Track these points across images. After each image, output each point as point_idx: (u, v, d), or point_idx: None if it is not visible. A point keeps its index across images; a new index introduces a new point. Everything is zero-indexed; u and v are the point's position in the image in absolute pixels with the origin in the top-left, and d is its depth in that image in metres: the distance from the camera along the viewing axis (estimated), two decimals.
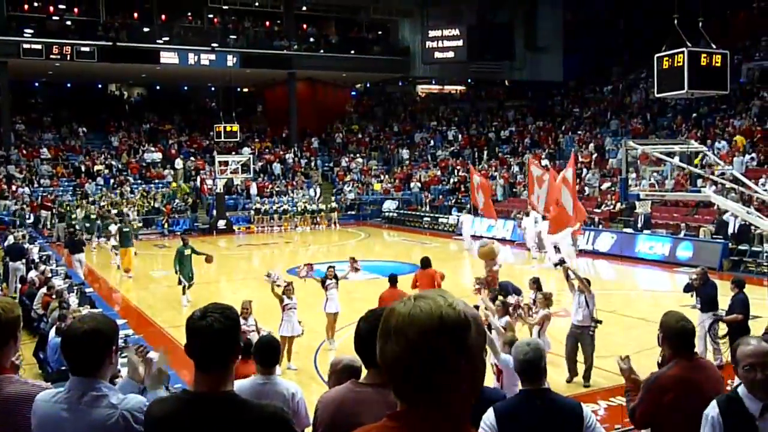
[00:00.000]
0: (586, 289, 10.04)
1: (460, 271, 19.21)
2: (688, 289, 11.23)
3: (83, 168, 35.72)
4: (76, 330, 2.80)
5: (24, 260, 17.58)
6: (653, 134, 29.61)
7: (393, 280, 11.36)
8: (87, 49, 33.90)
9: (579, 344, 10.10)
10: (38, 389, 2.87)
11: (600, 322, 10.11)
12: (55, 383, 4.64)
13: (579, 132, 34.90)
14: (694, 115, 30.52)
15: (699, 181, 22.41)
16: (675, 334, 4.21)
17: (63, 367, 7.41)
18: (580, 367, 10.10)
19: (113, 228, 22.89)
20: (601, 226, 25.27)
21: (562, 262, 11.10)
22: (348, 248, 26.83)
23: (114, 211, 30.74)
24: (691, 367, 4.11)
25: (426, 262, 12.46)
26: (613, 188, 27.08)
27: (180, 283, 16.52)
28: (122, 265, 20.61)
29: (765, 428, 3.39)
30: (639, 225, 23.47)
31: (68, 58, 33.61)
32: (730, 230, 20.63)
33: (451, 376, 1.54)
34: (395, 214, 35.24)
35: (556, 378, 9.70)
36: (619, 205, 25.72)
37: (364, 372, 3.05)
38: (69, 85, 41.89)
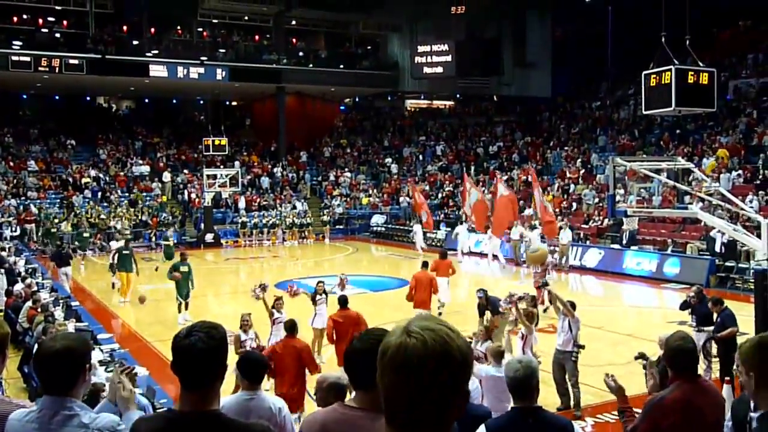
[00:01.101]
0: (569, 312, 9.82)
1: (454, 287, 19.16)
2: (684, 306, 11.24)
3: (71, 180, 35.56)
4: (49, 349, 2.78)
5: (2, 270, 17.38)
6: (641, 150, 29.79)
7: (425, 264, 14.52)
8: (76, 61, 33.83)
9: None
10: (14, 408, 2.83)
11: (582, 347, 9.82)
12: (40, 398, 4.59)
13: (567, 148, 35.08)
14: (678, 131, 30.75)
15: (686, 198, 22.53)
16: (676, 354, 4.01)
17: None
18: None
19: (114, 244, 22.06)
20: (588, 242, 25.36)
21: (545, 284, 11.03)
22: (336, 263, 26.80)
23: (118, 226, 30.62)
24: (693, 390, 3.91)
25: (443, 255, 16.62)
26: (600, 204, 27.20)
27: (178, 300, 16.10)
28: (121, 290, 18.89)
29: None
30: (624, 241, 23.60)
31: (57, 70, 33.52)
32: (717, 247, 20.75)
33: (452, 408, 1.60)
34: (383, 229, 35.24)
35: (544, 396, 9.67)
36: (606, 220, 25.83)
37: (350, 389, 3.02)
38: (57, 97, 41.73)
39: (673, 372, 4.01)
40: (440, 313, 15.10)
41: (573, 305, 10.06)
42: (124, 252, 19.12)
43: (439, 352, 1.56)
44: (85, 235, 28.40)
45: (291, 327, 8.76)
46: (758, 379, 3.12)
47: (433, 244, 31.27)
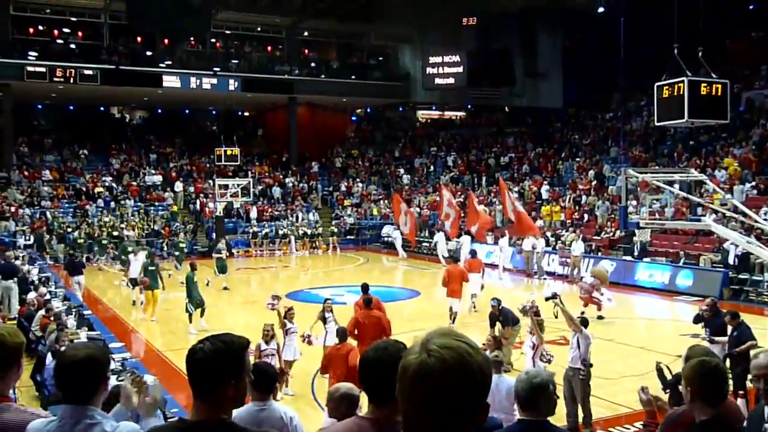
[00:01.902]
0: (577, 328, 9.53)
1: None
2: (697, 320, 11.12)
3: (84, 190, 35.79)
4: (71, 357, 2.78)
5: (15, 279, 17.47)
6: (653, 162, 29.67)
7: (455, 259, 17.73)
8: (90, 72, 34.09)
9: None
10: (34, 418, 2.83)
11: (590, 365, 9.41)
12: (52, 405, 4.59)
13: (578, 159, 34.99)
14: (691, 143, 30.61)
15: (699, 209, 22.41)
16: (698, 372, 3.64)
17: None
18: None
19: (141, 256, 19.61)
20: (600, 253, 25.25)
21: (554, 296, 10.74)
22: (347, 273, 26.79)
23: (131, 234, 30.74)
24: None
25: (474, 254, 19.03)
26: (613, 215, 27.09)
27: (188, 311, 15.95)
28: (145, 307, 17.86)
29: None
30: (636, 253, 23.49)
31: (71, 80, 33.78)
32: (731, 259, 20.61)
33: (472, 423, 1.62)
34: (394, 239, 35.14)
35: (559, 408, 9.60)
36: (618, 232, 25.71)
37: (363, 399, 2.99)
38: (72, 107, 42.05)
39: (694, 389, 3.69)
40: (474, 303, 17.54)
41: (585, 322, 9.84)
42: (150, 268, 17.84)
43: (459, 370, 1.57)
44: (104, 242, 28.60)
45: (342, 334, 9.77)
46: (693, 394, 3.50)
47: (444, 254, 31.20)
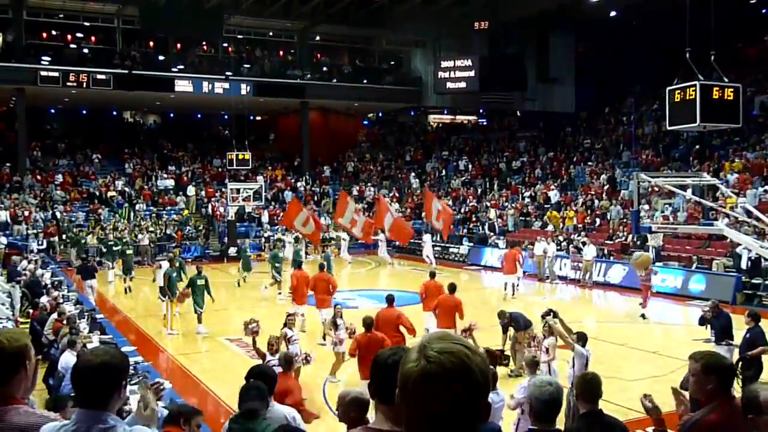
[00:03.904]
0: (570, 346, 9.11)
1: (474, 302, 19.05)
2: (702, 322, 11.17)
3: (97, 194, 36.01)
4: (89, 362, 2.78)
5: (15, 283, 17.77)
6: (665, 166, 29.56)
7: (432, 275, 15.58)
8: (103, 76, 34.30)
9: None
10: (45, 421, 2.85)
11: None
12: (51, 410, 4.61)
13: (590, 163, 34.91)
14: (697, 147, 30.45)
15: (712, 214, 22.31)
16: (718, 373, 3.74)
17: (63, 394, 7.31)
18: None
19: (164, 266, 18.46)
20: (612, 258, 25.16)
21: (550, 313, 10.42)
22: (358, 277, 26.79)
23: (145, 241, 30.71)
24: (730, 411, 3.67)
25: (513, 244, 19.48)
26: (625, 219, 27.00)
27: (196, 311, 16.32)
28: (165, 319, 16.79)
29: None
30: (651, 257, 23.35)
31: (84, 85, 33.99)
32: (743, 263, 20.48)
33: (475, 423, 1.63)
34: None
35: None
36: (631, 236, 25.62)
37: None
38: (84, 111, 42.35)
39: (711, 391, 3.76)
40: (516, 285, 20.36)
41: (583, 337, 9.22)
42: (173, 276, 17.03)
43: (460, 374, 1.58)
44: (115, 248, 28.05)
45: (368, 324, 10.03)
46: (578, 395, 5.25)
47: (456, 259, 31.23)
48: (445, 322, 12.57)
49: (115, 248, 26.86)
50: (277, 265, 21.73)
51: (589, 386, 5.17)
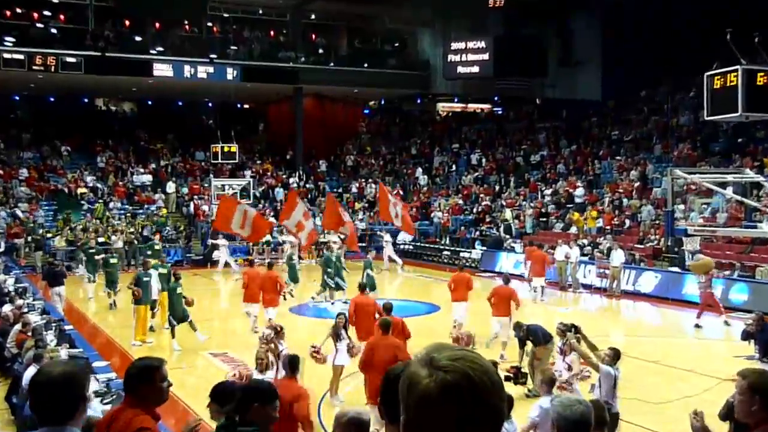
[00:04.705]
0: (594, 366, 9.13)
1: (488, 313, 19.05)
2: (745, 336, 11.14)
3: (66, 191, 36.04)
4: (46, 375, 2.82)
5: None
6: (703, 161, 29.52)
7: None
8: (73, 59, 34.33)
9: None
10: None
11: (613, 411, 8.53)
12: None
13: (619, 157, 34.87)
14: (739, 139, 30.42)
15: (755, 215, 22.27)
16: (764, 393, 3.65)
17: None
18: None
19: (154, 274, 18.12)
20: (643, 264, 25.14)
21: (571, 328, 10.38)
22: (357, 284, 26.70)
23: (119, 243, 30.57)
24: None
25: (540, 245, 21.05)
26: (657, 221, 26.98)
27: (170, 323, 16.36)
28: (136, 327, 16.76)
29: None
30: (684, 263, 23.32)
31: (52, 69, 34.02)
32: None
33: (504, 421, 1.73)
34: (411, 247, 35.22)
35: None
36: (664, 240, 25.58)
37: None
38: (52, 99, 42.40)
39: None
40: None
41: (616, 354, 9.06)
42: (143, 279, 16.99)
43: (481, 377, 1.63)
44: (92, 251, 27.74)
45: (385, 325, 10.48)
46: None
47: (467, 264, 31.18)
48: (501, 311, 14.90)
49: (97, 256, 24.64)
50: (290, 269, 22.67)
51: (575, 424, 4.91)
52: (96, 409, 8.14)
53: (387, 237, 31.71)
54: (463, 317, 16.56)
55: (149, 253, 26.58)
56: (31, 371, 9.67)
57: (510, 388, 8.98)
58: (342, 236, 27.96)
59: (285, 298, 19.63)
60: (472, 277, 18.00)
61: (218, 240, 31.44)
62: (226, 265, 31.16)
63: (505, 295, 15.19)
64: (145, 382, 3.92)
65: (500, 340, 14.80)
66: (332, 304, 21.37)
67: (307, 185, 40.97)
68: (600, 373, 8.91)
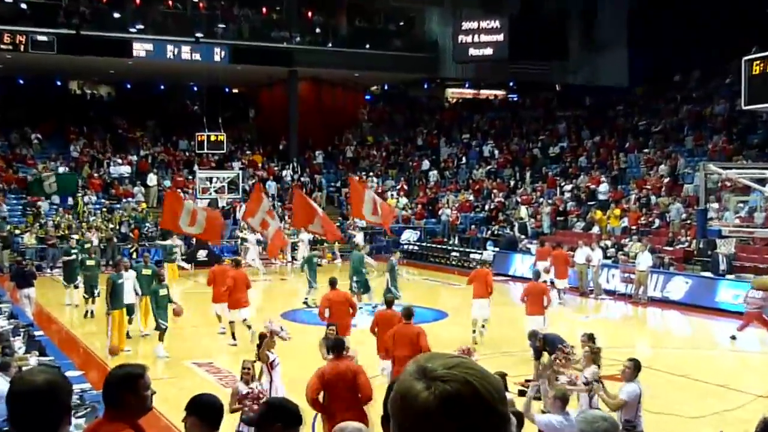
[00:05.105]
0: (608, 404, 9.12)
1: (500, 321, 19.08)
2: None
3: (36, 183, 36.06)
4: (28, 384, 2.80)
5: None
6: (739, 155, 29.52)
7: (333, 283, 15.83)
8: (44, 38, 34.31)
9: None
10: None
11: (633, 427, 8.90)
12: None
13: (646, 150, 34.87)
14: None
15: None
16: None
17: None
18: None
19: (130, 274, 18.30)
20: (672, 268, 25.14)
21: (592, 338, 10.43)
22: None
23: (94, 240, 30.42)
24: None
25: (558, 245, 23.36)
26: (688, 221, 26.99)
27: (159, 327, 16.38)
28: (112, 337, 16.47)
29: None
30: (721, 268, 23.31)
31: (22, 48, 34.01)
32: None
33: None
34: (416, 247, 35.24)
35: None
36: (695, 242, 25.60)
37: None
38: (21, 81, 42.44)
39: None
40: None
41: (637, 366, 9.19)
42: (118, 281, 16.93)
43: (482, 385, 1.65)
44: (87, 246, 27.59)
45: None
46: None
47: (477, 266, 31.20)
48: (534, 309, 16.08)
49: (66, 257, 24.06)
50: (311, 270, 22.81)
51: None
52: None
53: (359, 236, 31.72)
54: (484, 316, 17.63)
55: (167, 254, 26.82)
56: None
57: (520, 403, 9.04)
58: (313, 236, 28.04)
59: (309, 305, 19.86)
60: (491, 275, 19.05)
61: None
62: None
63: (538, 291, 16.45)
64: (128, 391, 3.91)
65: None
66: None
67: (302, 178, 41.00)
68: (624, 394, 8.89)
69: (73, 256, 23.56)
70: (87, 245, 27.48)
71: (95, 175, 37.83)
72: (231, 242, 34.64)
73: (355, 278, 21.64)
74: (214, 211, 28.30)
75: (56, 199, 35.26)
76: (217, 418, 5.40)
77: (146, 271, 18.70)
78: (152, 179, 37.86)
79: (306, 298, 22.39)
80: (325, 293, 15.35)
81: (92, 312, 21.14)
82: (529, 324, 15.58)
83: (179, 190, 32.94)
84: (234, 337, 17.34)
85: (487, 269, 19.82)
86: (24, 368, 10.09)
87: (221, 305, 18.06)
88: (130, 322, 17.78)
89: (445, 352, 1.77)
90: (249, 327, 17.09)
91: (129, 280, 17.81)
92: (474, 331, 17.32)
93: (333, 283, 15.59)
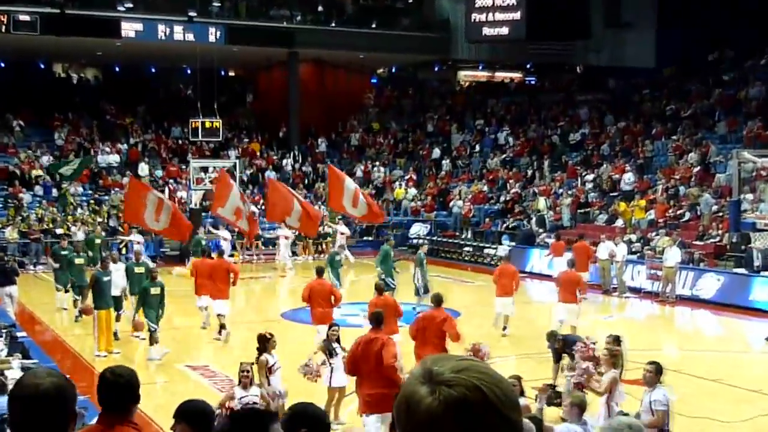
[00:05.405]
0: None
1: (517, 321, 19.08)
2: None
3: (18, 173, 36.13)
4: (33, 388, 2.74)
5: None
6: None
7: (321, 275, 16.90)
8: (27, 17, 34.32)
9: None
10: None
11: None
12: None
13: (675, 137, 34.79)
14: None
15: None
16: None
17: None
18: None
19: (120, 266, 18.90)
20: (703, 264, 25.10)
21: (617, 340, 10.45)
22: (361, 286, 26.78)
23: (79, 234, 30.39)
24: None
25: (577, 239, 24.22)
26: (721, 213, 26.92)
27: (150, 329, 16.30)
28: (99, 336, 16.57)
29: None
30: (756, 264, 23.26)
31: (3, 29, 34.05)
32: None
33: None
34: (426, 242, 35.21)
35: None
36: (728, 236, 25.55)
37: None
38: (2, 64, 42.49)
39: None
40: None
41: (658, 369, 9.08)
42: (103, 278, 17.09)
43: (492, 389, 1.65)
44: (97, 241, 27.92)
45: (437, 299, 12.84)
46: None
47: (493, 262, 31.22)
48: (567, 297, 16.97)
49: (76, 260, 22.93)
50: (336, 269, 22.20)
51: None
52: None
53: (342, 228, 31.95)
54: (507, 313, 18.58)
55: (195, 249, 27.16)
56: None
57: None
58: (292, 230, 27.85)
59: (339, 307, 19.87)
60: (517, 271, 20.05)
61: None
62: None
63: (573, 280, 17.42)
64: (132, 401, 3.89)
65: (568, 325, 16.36)
66: None
67: (304, 168, 41.01)
68: (659, 405, 8.68)
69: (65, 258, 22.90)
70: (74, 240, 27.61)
71: None
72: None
73: (332, 278, 20.82)
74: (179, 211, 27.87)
75: (39, 190, 35.30)
76: (208, 424, 5.42)
77: (138, 269, 18.63)
78: (143, 169, 37.84)
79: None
80: (309, 281, 16.85)
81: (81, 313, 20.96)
82: (559, 312, 16.78)
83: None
84: (221, 333, 17.89)
85: (513, 266, 20.39)
86: (7, 372, 10.14)
87: (204, 297, 18.72)
88: (117, 319, 17.78)
89: (453, 354, 1.77)
90: (223, 326, 17.57)
91: (118, 272, 17.92)
92: (501, 326, 18.40)
93: (319, 272, 16.79)
